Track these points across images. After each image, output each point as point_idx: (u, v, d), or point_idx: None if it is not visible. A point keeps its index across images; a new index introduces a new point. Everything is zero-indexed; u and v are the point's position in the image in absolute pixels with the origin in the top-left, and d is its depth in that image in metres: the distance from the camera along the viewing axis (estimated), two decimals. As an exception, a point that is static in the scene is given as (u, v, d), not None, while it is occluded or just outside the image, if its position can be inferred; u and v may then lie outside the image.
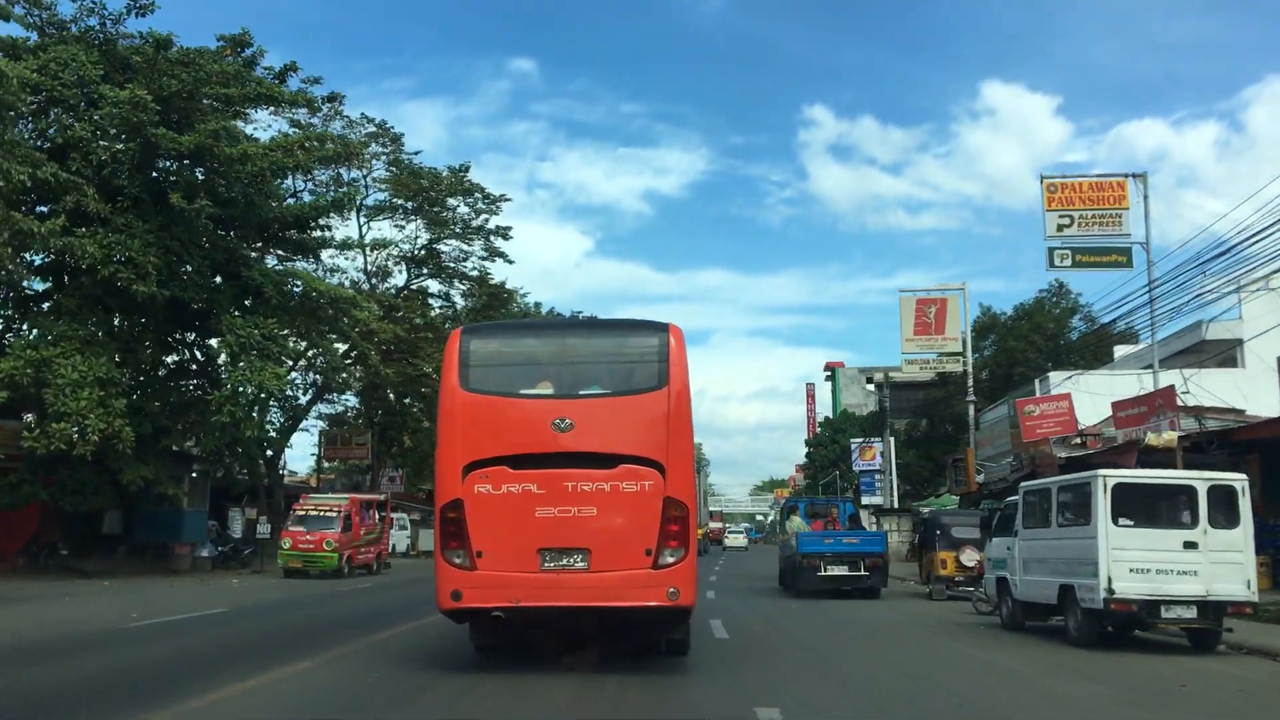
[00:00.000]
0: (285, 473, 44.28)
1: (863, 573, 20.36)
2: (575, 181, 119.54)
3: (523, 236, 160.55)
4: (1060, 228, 29.10)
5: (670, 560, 8.54)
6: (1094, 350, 43.23)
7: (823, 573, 20.31)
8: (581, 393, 8.95)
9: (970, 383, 36.86)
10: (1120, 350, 39.61)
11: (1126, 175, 29.47)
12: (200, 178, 25.26)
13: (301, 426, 39.96)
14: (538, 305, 51.89)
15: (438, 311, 44.03)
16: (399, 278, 43.42)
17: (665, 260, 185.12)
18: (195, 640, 11.99)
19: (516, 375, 9.18)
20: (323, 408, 43.31)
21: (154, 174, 25.27)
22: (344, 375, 35.54)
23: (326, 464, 49.43)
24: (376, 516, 29.26)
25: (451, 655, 10.06)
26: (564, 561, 8.50)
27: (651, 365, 9.02)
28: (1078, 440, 25.85)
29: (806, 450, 76.71)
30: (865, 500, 49.86)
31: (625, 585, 8.47)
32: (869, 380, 74.37)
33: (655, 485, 8.59)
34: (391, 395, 43.64)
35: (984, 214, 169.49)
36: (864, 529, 28.57)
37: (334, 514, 26.53)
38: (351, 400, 44.78)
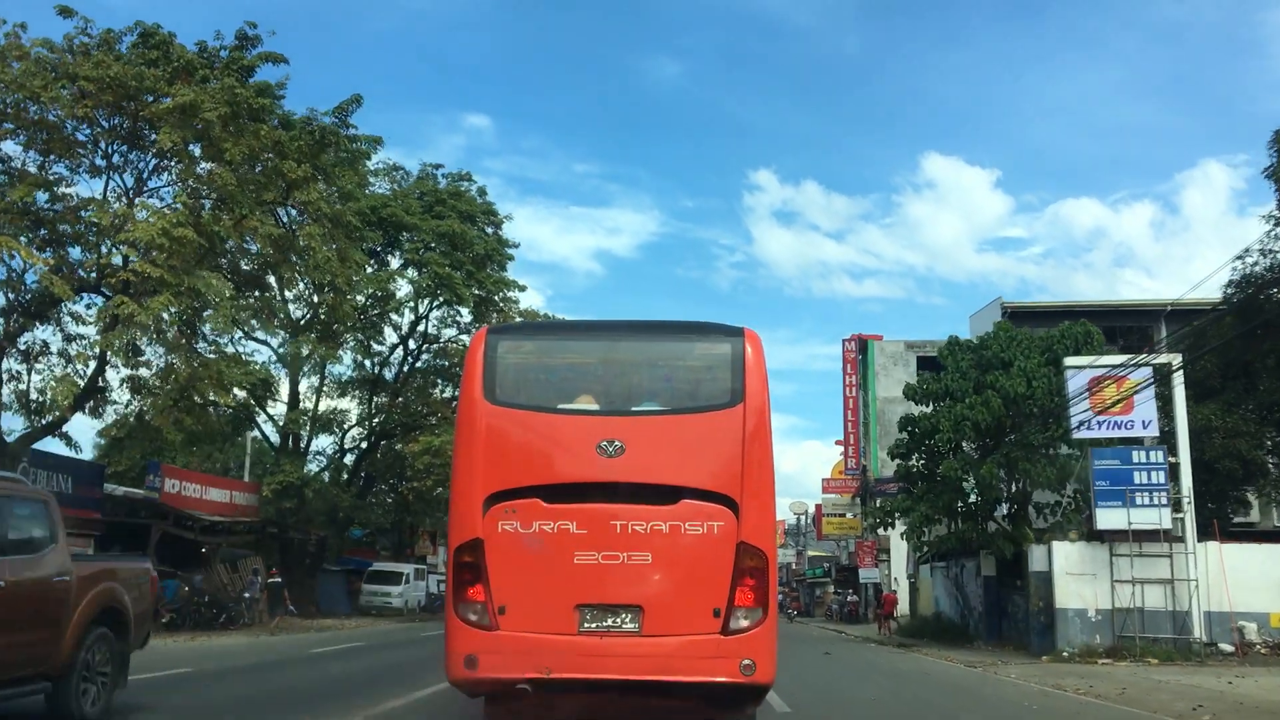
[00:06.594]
0: None
1: None
2: (527, 238, 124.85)
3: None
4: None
5: (745, 624, 6.63)
6: None
7: None
8: (634, 409, 7.16)
9: None
10: None
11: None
12: None
13: None
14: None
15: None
16: None
17: (617, 319, 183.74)
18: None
19: (554, 386, 7.47)
20: None
21: None
22: None
23: None
24: None
25: None
26: (609, 622, 6.69)
27: (723, 377, 7.16)
28: None
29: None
30: (1106, 519, 22.01)
31: (687, 655, 6.60)
32: (921, 358, 44.34)
33: (727, 527, 6.72)
34: None
35: (926, 283, 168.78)
36: None
37: None
38: None
